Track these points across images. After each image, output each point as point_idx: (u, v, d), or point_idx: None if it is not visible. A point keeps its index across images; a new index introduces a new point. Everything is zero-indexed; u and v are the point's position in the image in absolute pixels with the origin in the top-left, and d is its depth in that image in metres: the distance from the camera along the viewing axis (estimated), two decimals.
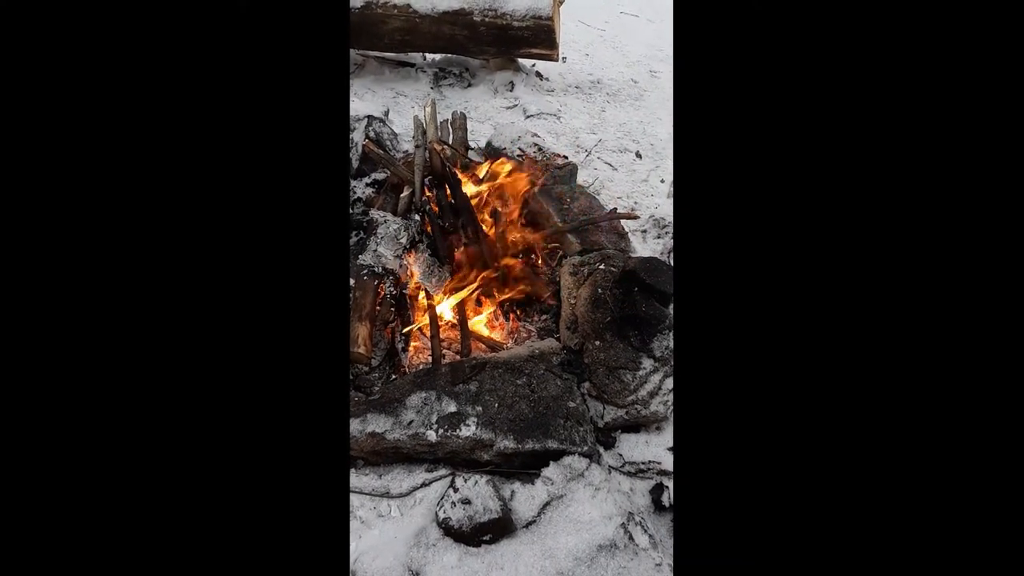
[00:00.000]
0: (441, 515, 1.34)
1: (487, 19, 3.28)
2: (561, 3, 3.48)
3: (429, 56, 3.66)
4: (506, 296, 1.89)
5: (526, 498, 1.39)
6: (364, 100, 3.15)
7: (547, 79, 3.69)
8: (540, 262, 2.04)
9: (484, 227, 2.01)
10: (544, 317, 1.93)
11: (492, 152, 2.49)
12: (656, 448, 1.56)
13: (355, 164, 2.32)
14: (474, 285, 1.86)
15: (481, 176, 2.22)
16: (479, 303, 1.91)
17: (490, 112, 3.27)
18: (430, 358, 1.70)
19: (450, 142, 2.44)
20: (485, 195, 2.13)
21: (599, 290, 1.76)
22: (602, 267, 1.83)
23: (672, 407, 1.60)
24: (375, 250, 1.86)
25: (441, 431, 1.45)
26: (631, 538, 1.32)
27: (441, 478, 1.45)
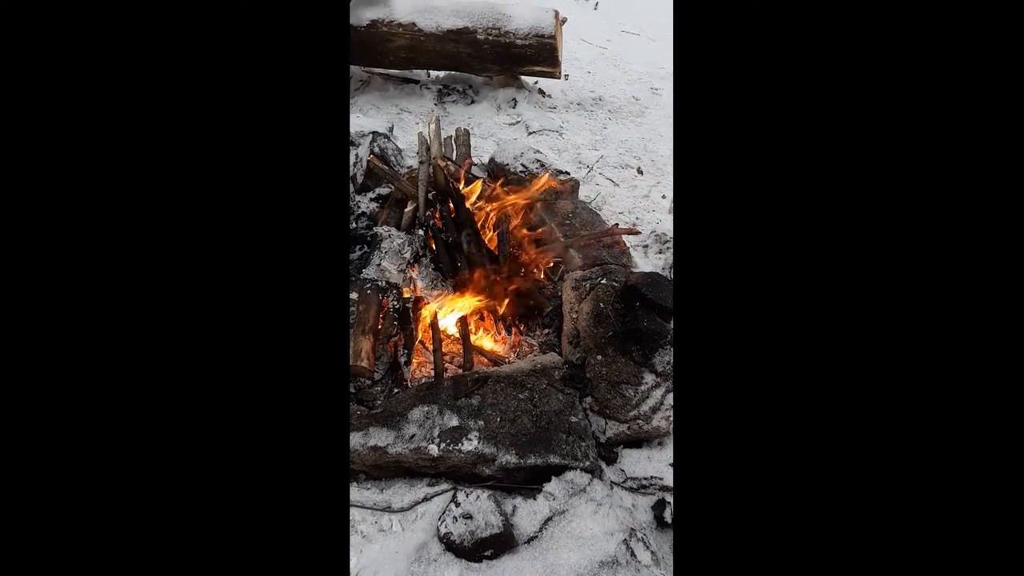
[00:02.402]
0: (443, 530, 1.34)
1: (490, 37, 3.33)
2: (563, 22, 3.53)
3: (433, 73, 3.71)
4: (508, 309, 1.90)
5: (528, 513, 1.39)
6: (369, 116, 3.18)
7: (549, 96, 3.73)
8: (543, 276, 2.05)
9: (487, 242, 2.02)
10: (546, 331, 1.93)
11: (495, 168, 2.52)
12: (658, 464, 1.56)
13: (360, 179, 2.34)
14: (476, 299, 1.87)
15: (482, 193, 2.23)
16: (481, 317, 1.92)
17: (493, 128, 3.31)
18: (432, 372, 1.70)
19: (453, 158, 2.46)
20: (488, 210, 2.15)
21: (601, 305, 1.76)
22: (604, 282, 1.84)
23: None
24: (379, 264, 1.87)
25: (443, 445, 1.45)
26: (633, 554, 1.32)
27: (443, 492, 1.45)
